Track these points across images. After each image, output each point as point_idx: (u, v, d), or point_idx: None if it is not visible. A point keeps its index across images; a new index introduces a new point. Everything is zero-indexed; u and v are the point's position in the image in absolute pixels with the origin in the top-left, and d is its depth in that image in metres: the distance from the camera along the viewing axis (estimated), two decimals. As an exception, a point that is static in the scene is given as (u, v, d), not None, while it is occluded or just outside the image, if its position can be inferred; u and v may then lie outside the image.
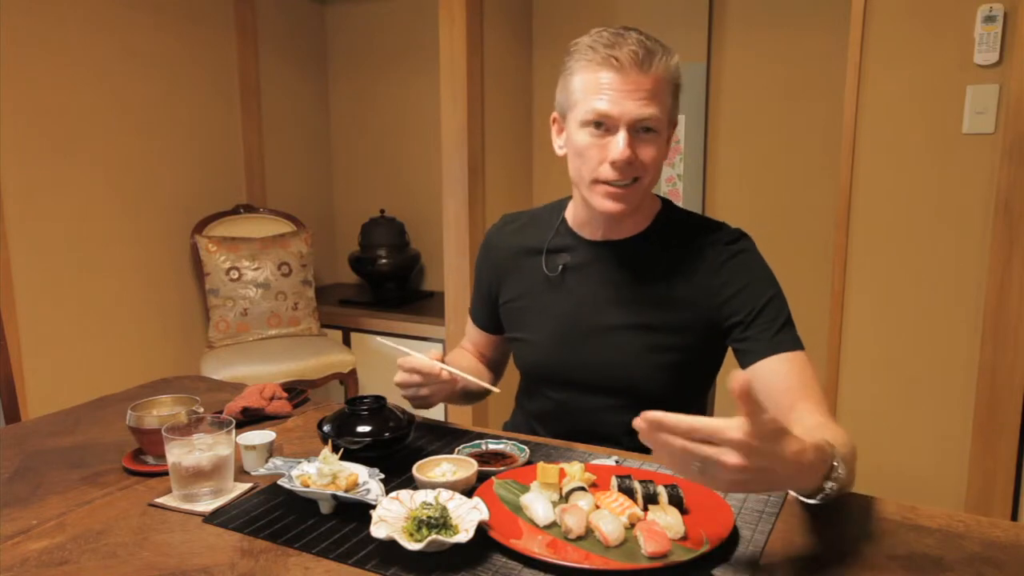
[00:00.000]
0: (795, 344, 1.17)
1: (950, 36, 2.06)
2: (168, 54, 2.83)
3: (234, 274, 2.83)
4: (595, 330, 1.28)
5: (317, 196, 3.59)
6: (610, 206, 1.19)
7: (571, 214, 1.34)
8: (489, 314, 1.45)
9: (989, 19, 2.01)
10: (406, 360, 1.22)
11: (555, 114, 1.25)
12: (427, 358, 1.20)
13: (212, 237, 2.87)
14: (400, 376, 1.23)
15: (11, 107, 2.38)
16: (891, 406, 2.26)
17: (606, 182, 1.17)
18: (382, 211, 3.31)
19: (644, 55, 1.12)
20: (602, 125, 1.15)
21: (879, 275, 2.23)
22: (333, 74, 3.57)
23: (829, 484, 0.88)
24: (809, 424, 1.05)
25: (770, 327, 1.17)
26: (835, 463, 0.88)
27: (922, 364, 2.21)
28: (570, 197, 1.35)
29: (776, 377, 1.14)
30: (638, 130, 1.15)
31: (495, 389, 1.23)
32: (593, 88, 1.14)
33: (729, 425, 0.75)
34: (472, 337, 1.53)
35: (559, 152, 1.25)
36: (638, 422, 0.79)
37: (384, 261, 3.23)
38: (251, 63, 3.14)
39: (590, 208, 1.24)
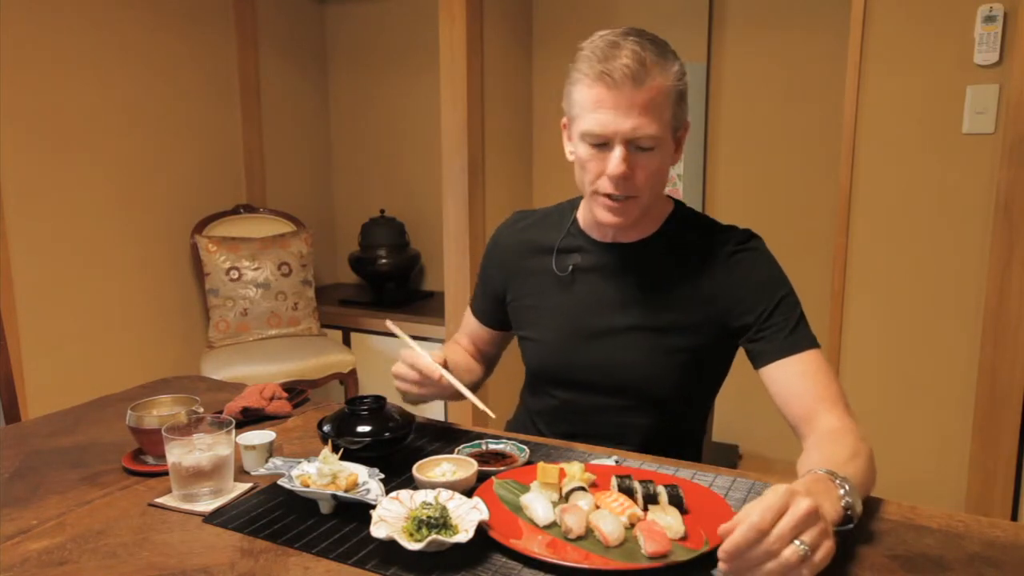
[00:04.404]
0: (809, 343, 1.16)
1: (950, 36, 2.06)
2: (168, 54, 2.83)
3: (234, 274, 2.83)
4: (604, 332, 1.27)
5: (317, 196, 3.59)
6: (609, 218, 1.20)
7: (582, 215, 1.34)
8: (494, 311, 1.45)
9: (989, 19, 2.01)
10: (409, 354, 1.22)
11: (564, 119, 1.24)
12: (430, 358, 1.20)
13: (212, 237, 2.87)
14: (399, 367, 1.23)
15: (11, 107, 2.38)
16: (891, 406, 2.26)
17: (606, 195, 1.18)
18: (382, 211, 3.31)
19: (637, 69, 1.10)
20: (599, 141, 1.15)
21: (879, 275, 2.23)
22: (333, 74, 3.57)
23: (844, 500, 0.87)
24: (823, 431, 1.07)
25: (783, 328, 1.17)
26: (838, 482, 0.87)
27: (922, 364, 2.21)
28: (581, 197, 1.34)
29: (791, 381, 1.14)
30: (634, 147, 1.14)
31: (491, 415, 1.21)
32: (589, 105, 1.14)
33: (771, 492, 0.75)
34: (471, 331, 1.51)
35: (569, 157, 1.24)
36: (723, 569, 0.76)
37: (384, 261, 3.23)
38: (251, 63, 3.14)
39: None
